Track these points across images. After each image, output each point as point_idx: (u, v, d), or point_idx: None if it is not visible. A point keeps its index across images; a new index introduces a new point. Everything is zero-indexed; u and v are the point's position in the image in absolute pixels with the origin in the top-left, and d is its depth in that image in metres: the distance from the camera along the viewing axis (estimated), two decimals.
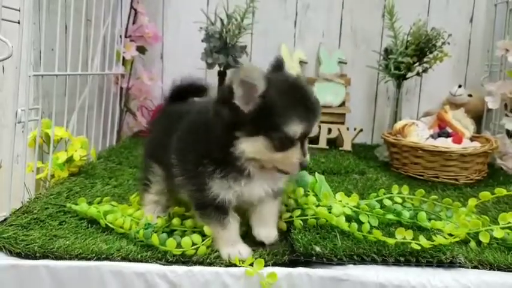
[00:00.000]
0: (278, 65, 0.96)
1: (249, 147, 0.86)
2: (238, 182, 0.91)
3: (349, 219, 1.04)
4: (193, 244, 0.92)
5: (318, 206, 1.05)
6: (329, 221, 1.00)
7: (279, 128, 0.83)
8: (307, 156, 0.89)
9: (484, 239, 0.99)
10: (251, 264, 0.89)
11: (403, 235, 0.93)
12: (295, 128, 0.84)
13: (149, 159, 1.12)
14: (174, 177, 0.97)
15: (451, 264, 0.90)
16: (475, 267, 0.91)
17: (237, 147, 0.87)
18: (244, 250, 0.92)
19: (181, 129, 0.98)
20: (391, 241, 0.92)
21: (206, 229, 0.95)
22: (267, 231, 0.98)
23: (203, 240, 0.94)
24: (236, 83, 0.83)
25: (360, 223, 1.02)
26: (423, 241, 0.92)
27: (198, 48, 2.01)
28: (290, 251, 0.94)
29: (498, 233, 0.99)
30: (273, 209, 0.99)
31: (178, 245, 0.92)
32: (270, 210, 0.99)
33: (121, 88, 2.09)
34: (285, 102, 0.84)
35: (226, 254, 0.91)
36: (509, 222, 1.00)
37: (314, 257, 0.90)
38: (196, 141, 0.92)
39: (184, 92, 1.14)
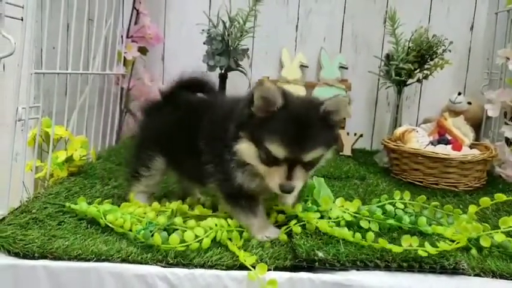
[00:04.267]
0: None
1: (244, 149, 0.94)
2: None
3: (349, 225, 1.04)
4: (196, 237, 0.94)
5: (319, 217, 1.04)
6: (331, 233, 0.99)
7: (265, 142, 0.90)
8: (295, 183, 0.92)
9: (485, 243, 0.98)
10: (253, 267, 0.88)
11: (409, 242, 0.93)
12: (276, 149, 0.90)
13: (151, 148, 1.14)
14: (203, 165, 1.01)
15: (454, 271, 0.90)
16: (477, 275, 0.91)
17: (236, 145, 0.94)
18: (275, 231, 1.02)
19: (209, 119, 1.04)
20: (398, 249, 0.91)
21: (233, 221, 1.01)
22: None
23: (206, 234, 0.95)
24: (257, 95, 0.90)
25: (361, 229, 1.01)
26: (429, 248, 0.91)
27: (199, 50, 2.00)
28: (292, 256, 0.93)
29: (499, 237, 0.98)
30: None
31: (181, 242, 0.92)
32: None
33: (121, 88, 2.08)
34: (280, 123, 0.90)
35: (262, 237, 0.99)
36: (510, 227, 1.00)
37: (317, 263, 0.89)
38: (223, 130, 0.98)
39: (194, 85, 1.19)
